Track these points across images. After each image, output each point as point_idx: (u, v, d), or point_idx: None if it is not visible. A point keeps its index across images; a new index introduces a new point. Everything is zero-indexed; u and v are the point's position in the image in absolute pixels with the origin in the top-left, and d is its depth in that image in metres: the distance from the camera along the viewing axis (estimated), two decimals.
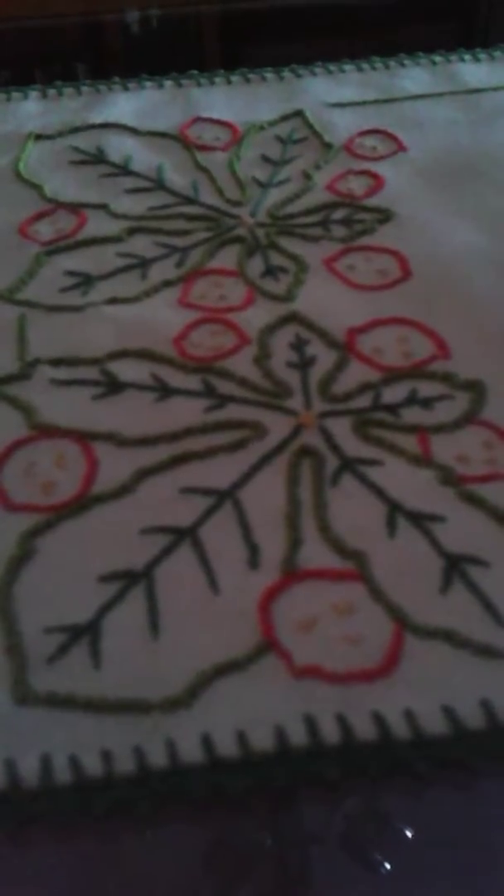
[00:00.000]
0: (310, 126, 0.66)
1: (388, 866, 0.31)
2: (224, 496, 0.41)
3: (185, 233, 0.56)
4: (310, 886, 0.31)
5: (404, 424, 0.44)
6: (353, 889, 0.31)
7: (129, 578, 0.38)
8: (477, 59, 0.73)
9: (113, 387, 0.46)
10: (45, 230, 0.57)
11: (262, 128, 0.66)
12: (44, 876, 0.31)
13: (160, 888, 0.31)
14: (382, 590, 0.37)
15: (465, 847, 0.32)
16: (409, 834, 0.32)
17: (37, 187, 0.60)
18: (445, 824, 0.32)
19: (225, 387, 0.46)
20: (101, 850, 0.32)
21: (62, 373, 0.47)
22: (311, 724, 0.34)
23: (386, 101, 0.68)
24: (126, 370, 0.47)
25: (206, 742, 0.33)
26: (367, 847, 0.31)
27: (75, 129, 0.66)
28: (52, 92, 0.70)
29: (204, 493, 0.41)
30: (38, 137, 0.65)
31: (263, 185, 0.60)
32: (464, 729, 0.33)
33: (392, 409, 0.45)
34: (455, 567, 0.38)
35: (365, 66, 0.73)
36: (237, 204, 0.59)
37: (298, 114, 0.67)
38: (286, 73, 0.72)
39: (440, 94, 0.69)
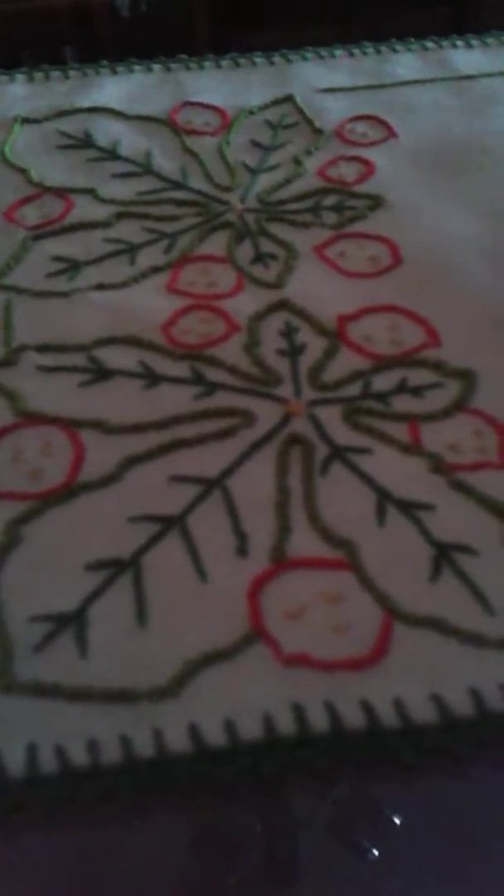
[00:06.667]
0: (300, 111, 0.65)
1: (375, 852, 0.31)
2: (213, 484, 0.41)
3: (174, 218, 0.56)
4: (298, 872, 0.31)
5: (394, 413, 0.44)
6: (341, 875, 0.31)
7: (116, 567, 0.38)
8: (469, 46, 0.73)
9: (100, 374, 0.46)
10: (32, 215, 0.56)
11: (251, 113, 0.65)
12: (31, 864, 0.31)
13: (149, 876, 0.31)
14: (371, 578, 0.37)
15: (452, 834, 0.32)
16: (397, 821, 0.32)
17: (23, 171, 0.59)
18: (434, 811, 0.32)
19: (214, 374, 0.46)
20: (88, 839, 0.32)
21: (48, 359, 0.47)
22: (299, 712, 0.33)
23: (377, 86, 0.68)
24: (113, 357, 0.47)
25: (194, 731, 0.33)
26: (356, 833, 0.32)
27: (62, 113, 0.65)
28: (39, 75, 0.69)
29: (192, 482, 0.41)
30: (25, 121, 0.64)
31: (253, 171, 0.60)
32: (452, 717, 0.33)
33: (382, 397, 0.45)
34: (444, 555, 0.38)
35: (356, 51, 0.72)
36: (227, 189, 0.58)
37: (289, 99, 0.66)
38: (277, 59, 0.71)
39: (432, 80, 0.68)
